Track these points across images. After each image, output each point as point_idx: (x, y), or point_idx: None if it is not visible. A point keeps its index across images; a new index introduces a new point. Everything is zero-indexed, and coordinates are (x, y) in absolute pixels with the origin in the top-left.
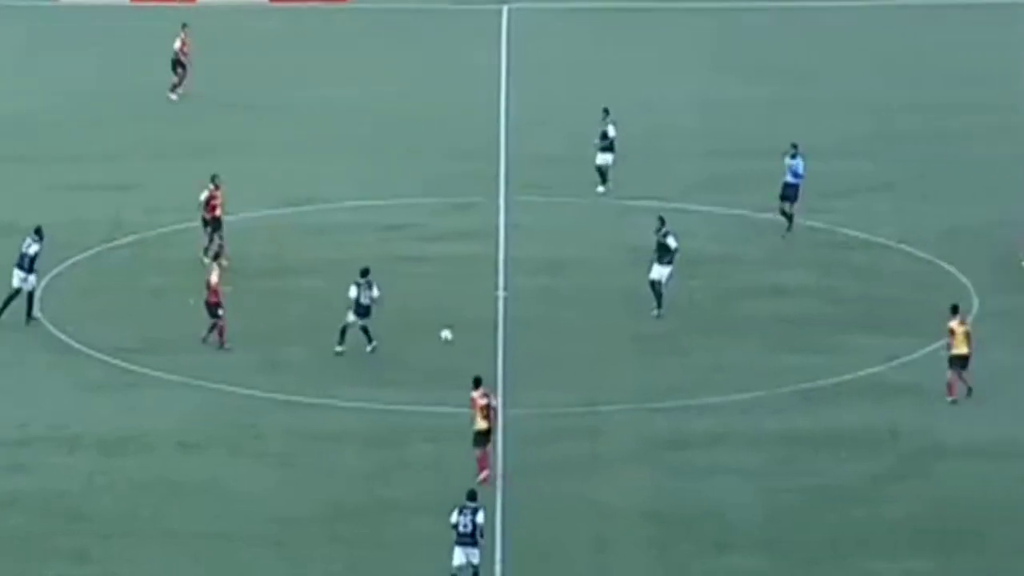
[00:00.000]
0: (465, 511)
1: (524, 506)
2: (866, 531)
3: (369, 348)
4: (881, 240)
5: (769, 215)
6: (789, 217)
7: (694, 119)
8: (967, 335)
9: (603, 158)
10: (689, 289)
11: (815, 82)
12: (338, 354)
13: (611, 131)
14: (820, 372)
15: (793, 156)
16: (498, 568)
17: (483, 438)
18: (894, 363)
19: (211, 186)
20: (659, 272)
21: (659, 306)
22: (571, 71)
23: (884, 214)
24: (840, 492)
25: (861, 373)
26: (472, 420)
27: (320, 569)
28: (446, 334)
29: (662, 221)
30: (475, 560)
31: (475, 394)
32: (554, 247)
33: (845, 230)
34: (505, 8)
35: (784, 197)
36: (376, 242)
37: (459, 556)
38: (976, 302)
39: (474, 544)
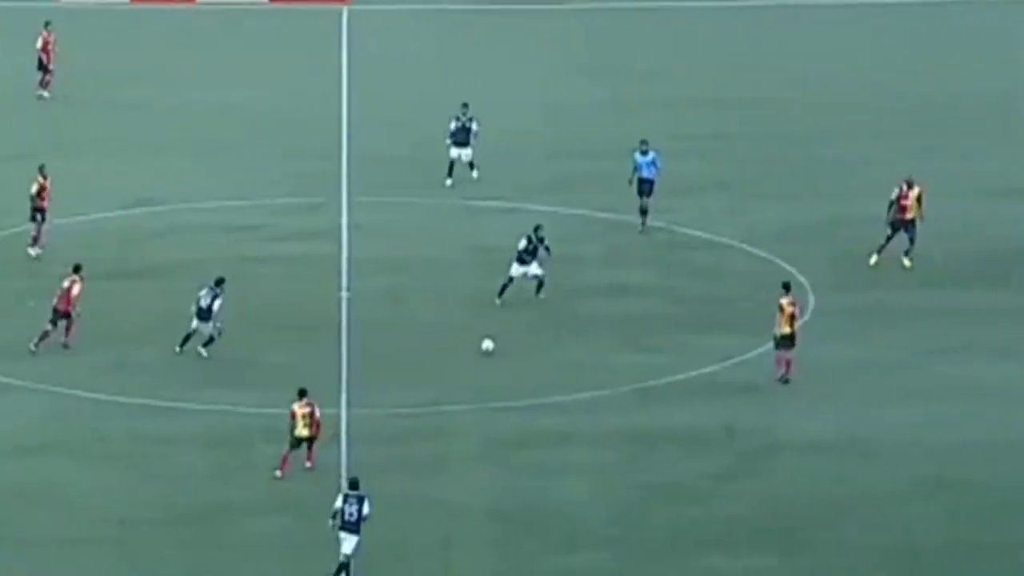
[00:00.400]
0: (350, 499)
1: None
2: (706, 528)
3: (204, 352)
4: (722, 240)
5: (610, 215)
6: (643, 212)
7: (535, 120)
8: (792, 316)
9: (459, 152)
10: (532, 289)
11: (651, 82)
12: (177, 354)
13: (475, 126)
14: (661, 371)
15: (644, 152)
16: None
17: (301, 443)
18: (731, 362)
19: (40, 178)
20: (522, 269)
21: (537, 293)
22: (412, 72)
23: (723, 213)
24: (681, 490)
25: (700, 371)
26: (291, 429)
27: (161, 571)
28: (488, 344)
29: (540, 228)
30: (349, 550)
31: (295, 406)
32: (398, 247)
33: (685, 230)
34: (345, 9)
35: (640, 192)
36: (222, 243)
37: (346, 545)
38: (813, 300)
39: (357, 532)
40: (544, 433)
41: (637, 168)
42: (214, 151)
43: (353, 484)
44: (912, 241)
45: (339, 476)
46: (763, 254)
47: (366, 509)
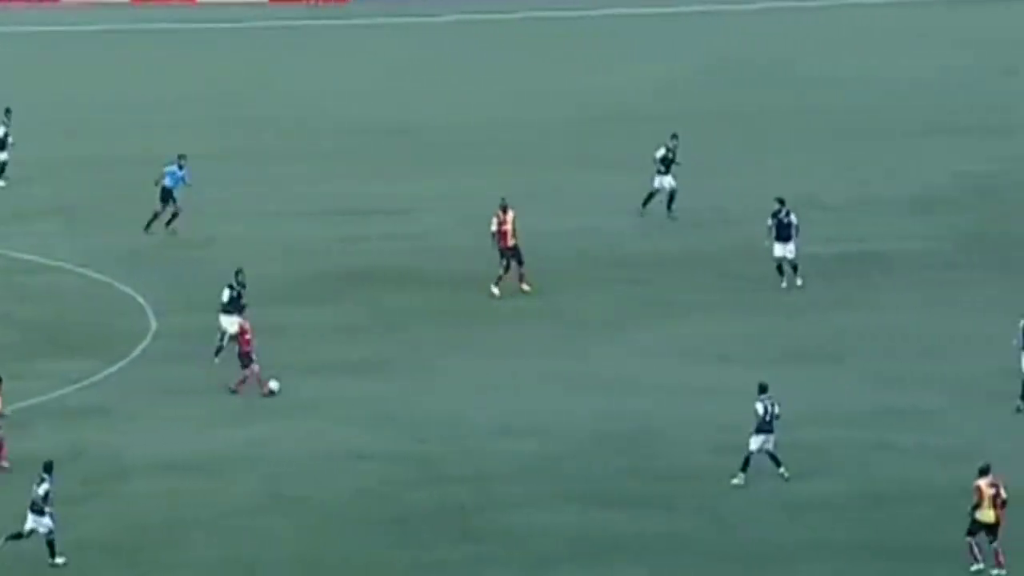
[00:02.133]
0: (37, 480)
1: None
2: (66, 553)
3: None
4: (60, 264)
5: None
6: (172, 216)
7: None
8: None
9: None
10: None
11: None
12: None
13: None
14: (8, 398)
15: (181, 167)
16: None
17: None
18: (77, 385)
19: None
20: (230, 320)
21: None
22: None
23: (61, 238)
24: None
25: (47, 397)
26: None
27: None
28: (274, 385)
29: (240, 272)
30: (42, 529)
31: None
32: None
33: (21, 255)
34: None
35: (163, 200)
36: None
37: (30, 522)
38: (154, 323)
39: (41, 513)
40: None
41: (167, 177)
42: None
43: (47, 467)
44: (521, 263)
45: None
46: (103, 278)
47: (41, 490)
